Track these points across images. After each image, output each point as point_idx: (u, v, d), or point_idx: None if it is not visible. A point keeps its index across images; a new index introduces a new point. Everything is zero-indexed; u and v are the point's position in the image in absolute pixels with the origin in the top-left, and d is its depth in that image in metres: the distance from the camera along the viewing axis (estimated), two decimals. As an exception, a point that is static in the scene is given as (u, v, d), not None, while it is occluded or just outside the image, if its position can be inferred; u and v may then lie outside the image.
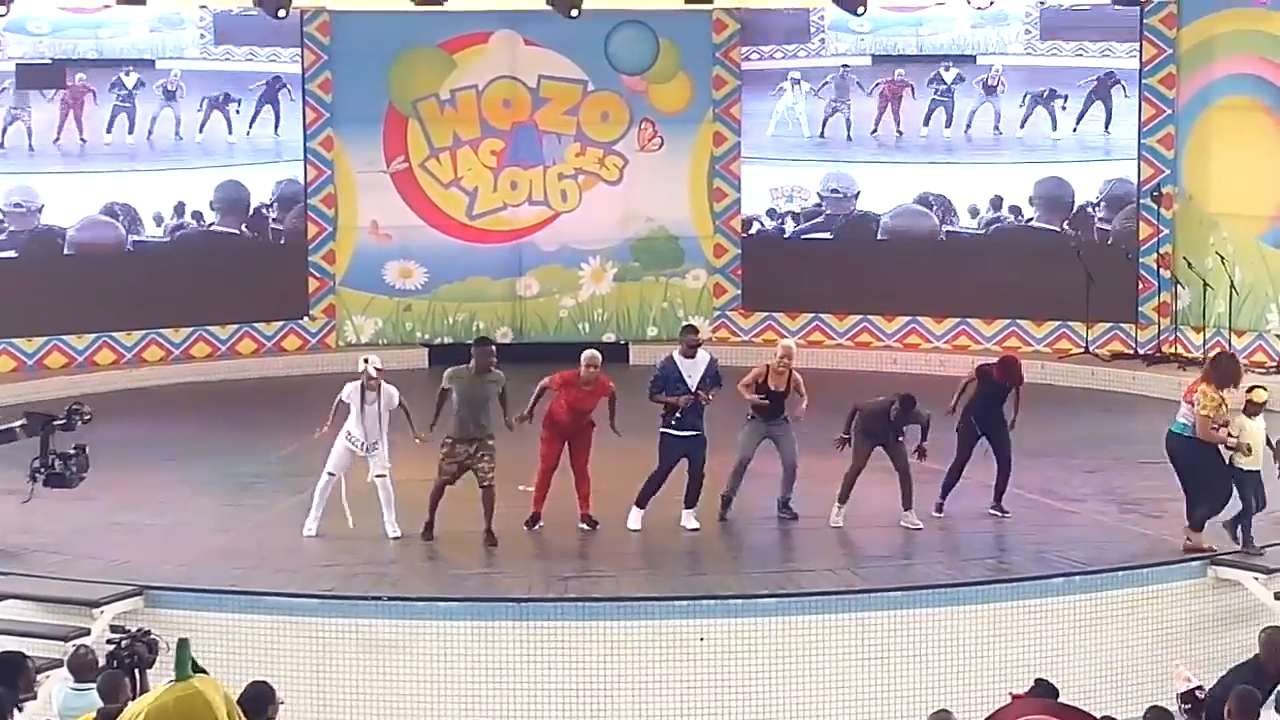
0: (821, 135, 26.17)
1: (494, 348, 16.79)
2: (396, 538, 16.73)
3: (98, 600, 14.87)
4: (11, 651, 10.43)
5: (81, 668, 11.64)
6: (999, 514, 17.34)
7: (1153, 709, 10.27)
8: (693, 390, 16.75)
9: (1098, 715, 10.00)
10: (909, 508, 16.93)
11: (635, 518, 16.96)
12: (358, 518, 16.74)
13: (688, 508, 16.98)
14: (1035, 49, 25.29)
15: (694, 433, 16.83)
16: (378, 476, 16.75)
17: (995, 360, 17.95)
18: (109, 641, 10.99)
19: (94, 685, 10.95)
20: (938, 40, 25.68)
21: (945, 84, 25.66)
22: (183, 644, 8.16)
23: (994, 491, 17.41)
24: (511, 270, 26.69)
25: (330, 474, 16.84)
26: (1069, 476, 19.11)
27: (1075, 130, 25.10)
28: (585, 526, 16.95)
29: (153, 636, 10.79)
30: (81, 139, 24.85)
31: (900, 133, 25.84)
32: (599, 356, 16.95)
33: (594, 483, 17.01)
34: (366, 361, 16.95)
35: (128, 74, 24.96)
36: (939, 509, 17.33)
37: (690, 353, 16.95)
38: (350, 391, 16.80)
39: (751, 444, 17.24)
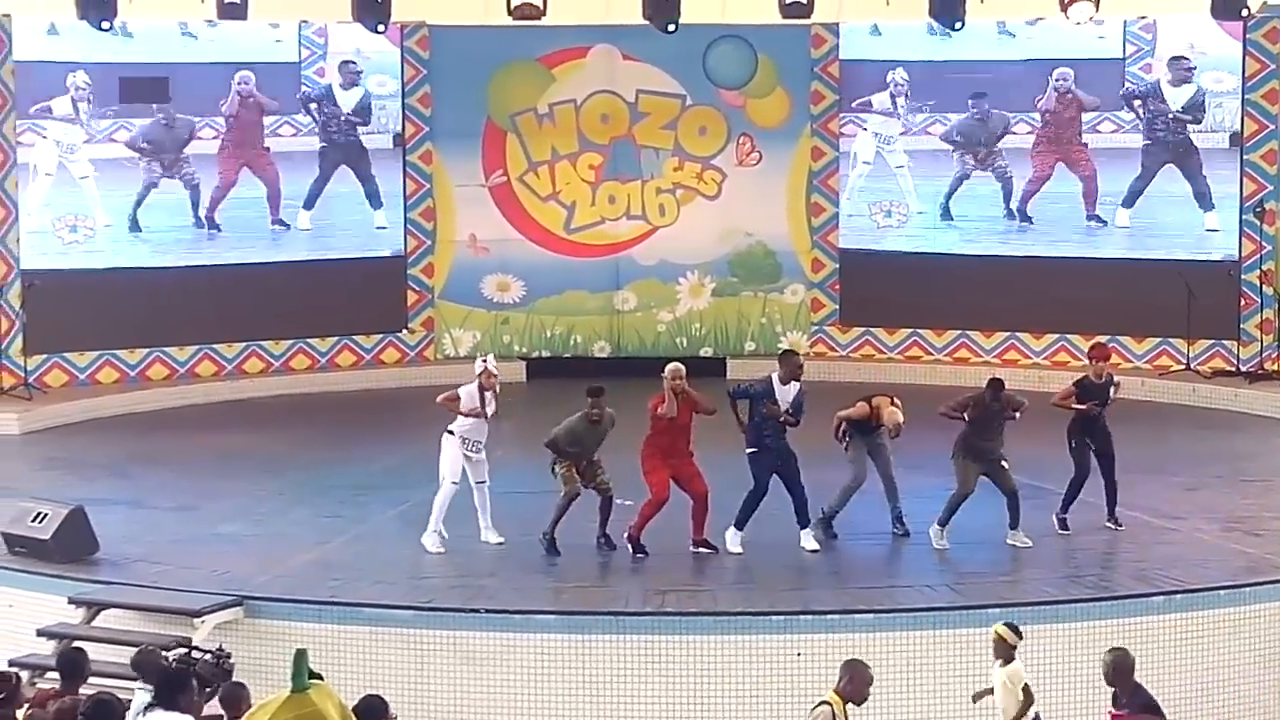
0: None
1: (605, 397, 16.69)
2: (500, 543, 16.88)
3: (199, 610, 14.97)
4: (106, 696, 10.39)
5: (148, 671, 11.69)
6: (1113, 527, 17.38)
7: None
8: (779, 417, 16.68)
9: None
10: (1016, 526, 16.86)
11: (734, 540, 16.81)
12: (462, 526, 16.90)
13: (802, 527, 16.81)
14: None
15: (784, 446, 16.72)
16: (479, 483, 16.91)
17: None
18: (180, 645, 11.05)
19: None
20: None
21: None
22: (300, 655, 8.15)
23: (1106, 506, 17.45)
24: (609, 284, 26.73)
25: (454, 484, 16.87)
26: (1170, 494, 18.96)
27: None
28: (703, 550, 16.73)
29: (229, 664, 10.85)
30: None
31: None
32: (682, 368, 16.80)
33: (683, 496, 16.89)
34: (485, 361, 17.07)
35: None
36: (1063, 526, 17.30)
37: (788, 380, 16.83)
38: (468, 396, 16.88)
39: (863, 460, 17.15)
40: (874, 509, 17.37)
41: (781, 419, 16.60)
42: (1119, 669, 11.73)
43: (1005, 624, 12.86)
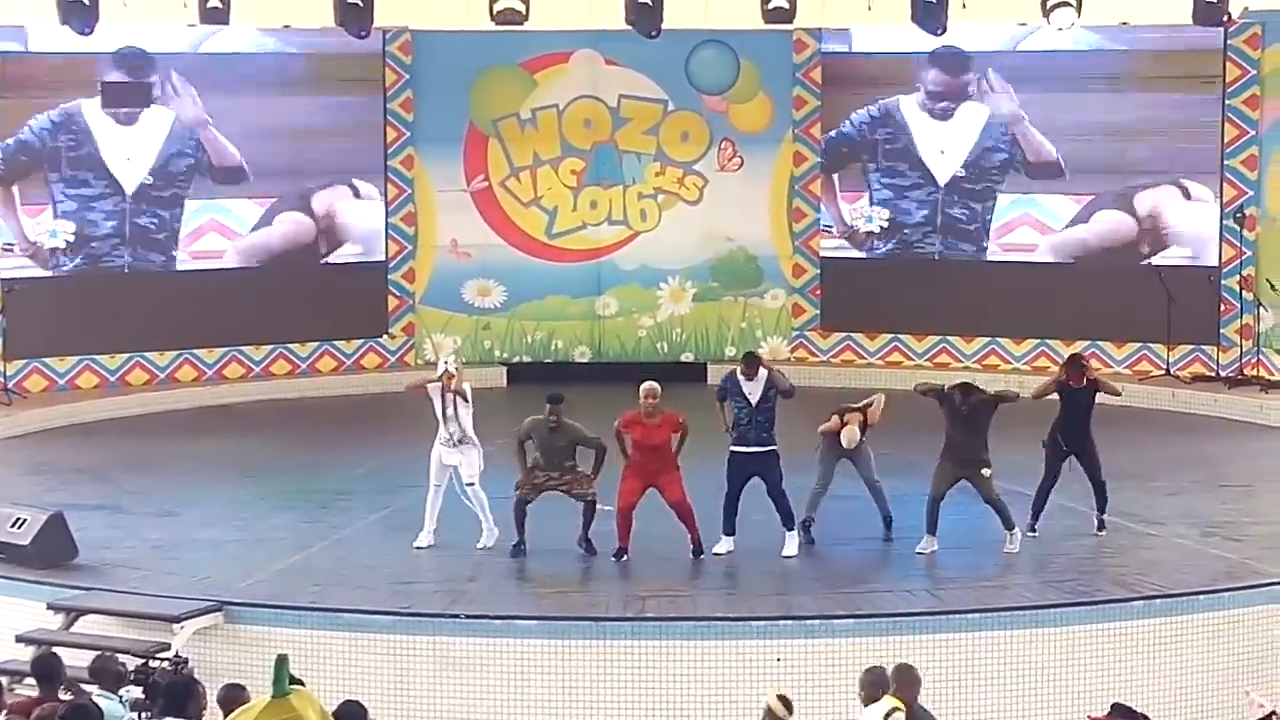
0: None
1: (562, 405, 16.70)
2: (488, 547, 16.91)
3: (178, 615, 14.91)
4: (83, 701, 10.36)
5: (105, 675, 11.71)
6: (1096, 532, 17.40)
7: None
8: (754, 404, 16.66)
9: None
10: (1009, 528, 16.87)
11: (725, 544, 16.82)
12: (443, 531, 16.96)
13: (787, 529, 16.85)
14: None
15: (762, 448, 16.70)
16: (467, 485, 16.94)
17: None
18: (139, 655, 11.04)
19: (117, 696, 11.09)
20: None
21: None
22: (281, 660, 8.16)
23: (1096, 510, 17.46)
24: (590, 289, 26.74)
25: (436, 485, 17.01)
26: (1149, 499, 18.98)
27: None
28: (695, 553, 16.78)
29: (186, 671, 10.83)
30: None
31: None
32: (657, 387, 16.72)
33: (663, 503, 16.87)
34: (446, 362, 17.16)
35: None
36: (1032, 529, 17.31)
37: (750, 374, 16.81)
38: (433, 391, 16.98)
39: (829, 468, 17.18)
40: (853, 514, 17.40)
41: (728, 424, 16.64)
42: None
43: (779, 696, 11.58)
